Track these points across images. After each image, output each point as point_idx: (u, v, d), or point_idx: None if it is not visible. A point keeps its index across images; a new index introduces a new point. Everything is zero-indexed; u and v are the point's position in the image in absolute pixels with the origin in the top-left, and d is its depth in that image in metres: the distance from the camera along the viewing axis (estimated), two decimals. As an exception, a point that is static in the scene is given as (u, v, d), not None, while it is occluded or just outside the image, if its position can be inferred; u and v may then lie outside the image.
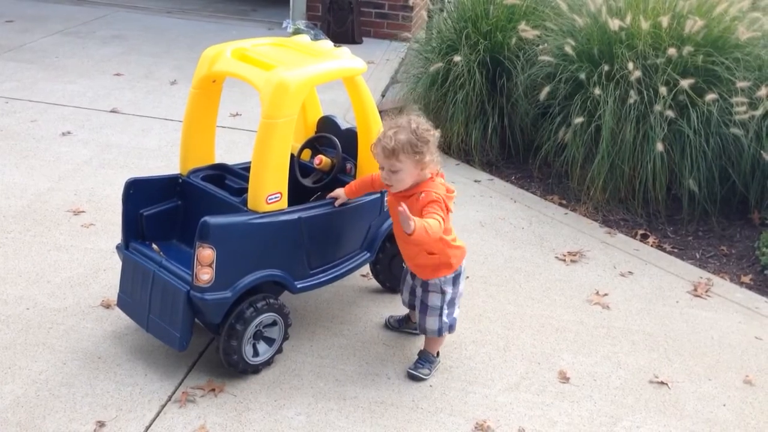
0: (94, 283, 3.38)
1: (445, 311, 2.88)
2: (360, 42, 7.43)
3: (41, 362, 2.88)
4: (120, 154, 4.68)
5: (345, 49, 3.05)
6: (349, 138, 3.20)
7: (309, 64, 2.84)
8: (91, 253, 3.60)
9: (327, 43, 3.09)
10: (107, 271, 3.45)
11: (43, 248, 3.62)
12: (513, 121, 4.88)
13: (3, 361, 2.87)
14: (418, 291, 2.90)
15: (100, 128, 5.05)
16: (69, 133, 4.94)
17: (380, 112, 3.95)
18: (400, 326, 3.19)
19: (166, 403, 2.72)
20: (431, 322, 2.88)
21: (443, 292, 2.85)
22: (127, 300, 2.94)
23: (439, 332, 2.90)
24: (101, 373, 2.85)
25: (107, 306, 3.20)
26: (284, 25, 7.44)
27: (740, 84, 3.98)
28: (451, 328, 2.92)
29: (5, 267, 3.45)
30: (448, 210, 2.76)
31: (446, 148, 5.00)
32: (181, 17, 7.99)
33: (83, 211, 3.96)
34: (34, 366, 2.85)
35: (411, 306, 3.05)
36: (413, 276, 2.93)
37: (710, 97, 3.98)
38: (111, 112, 5.33)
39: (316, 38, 7.14)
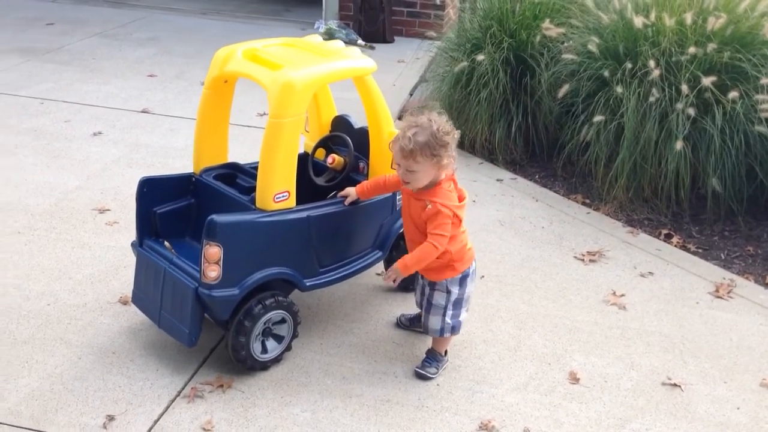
0: (114, 280, 3.46)
1: (450, 312, 2.87)
2: (391, 41, 7.45)
3: (57, 357, 2.96)
4: (148, 154, 4.77)
5: (355, 49, 3.07)
6: (362, 137, 3.22)
7: (316, 64, 2.87)
8: (113, 250, 3.69)
9: (338, 43, 3.11)
10: (127, 268, 3.52)
11: (67, 245, 3.72)
12: (537, 119, 4.85)
13: (21, 355, 2.95)
14: (426, 290, 2.90)
15: (130, 128, 5.16)
16: (100, 133, 5.05)
17: (406, 111, 3.97)
18: (411, 325, 3.20)
19: (175, 398, 2.78)
20: (434, 322, 2.88)
21: (449, 292, 2.85)
22: (140, 296, 3.01)
23: (441, 332, 2.89)
24: (114, 367, 2.91)
25: (125, 302, 3.27)
26: (316, 26, 7.49)
27: (765, 81, 3.89)
28: (454, 329, 2.91)
29: (30, 263, 3.55)
30: (459, 220, 2.76)
31: (470, 147, 5.00)
32: (216, 18, 8.10)
33: (108, 210, 4.06)
34: (51, 360, 2.94)
35: (421, 305, 3.01)
36: (422, 275, 2.93)
37: (733, 94, 3.90)
38: (142, 112, 5.44)
39: (347, 37, 7.22)
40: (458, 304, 2.88)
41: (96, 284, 3.42)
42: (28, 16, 7.75)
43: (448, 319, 2.88)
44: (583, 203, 4.46)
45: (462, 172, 4.77)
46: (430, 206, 2.70)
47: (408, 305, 3.30)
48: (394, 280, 2.79)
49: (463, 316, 2.93)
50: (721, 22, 3.98)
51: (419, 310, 3.16)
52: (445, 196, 2.73)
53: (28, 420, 2.63)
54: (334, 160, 3.19)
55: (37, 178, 4.39)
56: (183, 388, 2.83)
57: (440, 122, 2.69)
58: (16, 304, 3.25)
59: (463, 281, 2.86)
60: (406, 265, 2.75)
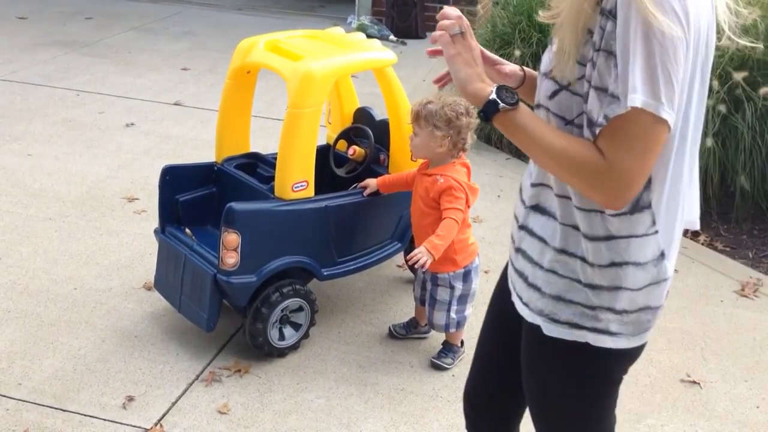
0: (139, 266, 3.53)
1: (454, 307, 2.85)
2: (423, 37, 7.46)
3: (82, 339, 3.03)
4: (177, 145, 4.86)
5: (375, 41, 3.09)
6: (384, 129, 3.24)
7: (336, 55, 2.90)
8: (140, 237, 3.76)
9: (359, 35, 3.14)
10: (153, 255, 3.55)
11: (95, 232, 3.80)
12: (565, 115, 4.81)
13: (47, 336, 3.03)
14: (428, 285, 2.89)
15: (161, 120, 5.25)
16: (132, 124, 5.15)
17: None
18: (408, 333, 3.12)
19: (193, 382, 2.83)
20: (438, 317, 2.87)
21: (452, 287, 2.83)
22: (162, 281, 3.07)
23: (446, 328, 2.89)
24: (136, 351, 2.98)
25: (149, 288, 3.34)
26: (348, 21, 7.54)
27: (795, 77, 3.83)
28: (459, 324, 2.90)
29: (59, 249, 3.64)
30: (468, 205, 2.76)
31: (498, 143, 4.99)
32: (251, 14, 8.20)
33: (137, 198, 4.14)
34: (75, 342, 3.01)
35: (422, 301, 2.99)
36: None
37: (764, 90, 3.84)
38: (174, 104, 5.53)
39: (379, 33, 7.24)
40: (463, 299, 2.87)
41: (122, 270, 3.50)
42: (67, 10, 7.92)
43: (453, 315, 2.86)
44: (610, 200, 4.42)
45: (488, 167, 4.77)
46: (441, 180, 2.72)
47: (427, 297, 3.31)
48: (423, 265, 2.62)
49: (469, 310, 2.92)
50: (753, 17, 3.91)
51: (410, 316, 3.15)
52: (457, 172, 2.75)
53: (51, 399, 2.71)
54: (355, 151, 3.22)
55: (69, 167, 4.49)
56: (201, 372, 2.88)
57: (459, 103, 2.71)
58: (44, 287, 3.34)
59: (467, 277, 2.84)
60: (435, 245, 2.62)
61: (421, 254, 2.61)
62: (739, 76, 3.88)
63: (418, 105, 2.74)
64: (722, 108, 3.93)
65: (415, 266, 2.65)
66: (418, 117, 2.73)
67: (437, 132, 2.69)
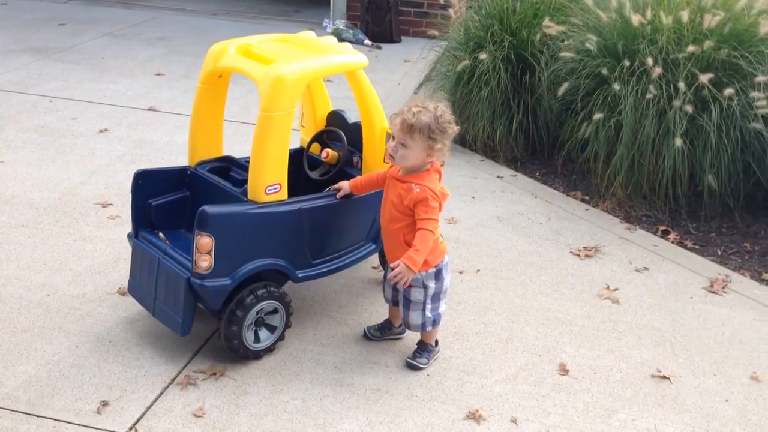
0: (113, 272, 3.52)
1: (429, 306, 2.88)
2: (398, 41, 7.50)
3: (55, 345, 3.02)
4: (152, 151, 4.85)
5: (347, 45, 3.11)
6: (357, 132, 3.27)
7: (308, 59, 2.92)
8: (113, 243, 3.75)
9: (331, 39, 3.16)
10: (127, 260, 3.54)
11: (69, 238, 3.79)
12: (538, 116, 4.88)
13: (20, 343, 3.02)
14: (400, 286, 2.89)
15: (135, 125, 5.24)
16: (106, 130, 5.13)
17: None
18: (383, 335, 3.14)
19: (168, 386, 2.83)
20: (414, 317, 2.90)
21: (425, 287, 2.85)
22: (136, 286, 3.07)
23: (423, 327, 2.91)
24: (110, 356, 2.97)
25: (123, 293, 3.33)
26: (324, 25, 7.56)
27: (759, 79, 3.90)
28: (434, 322, 2.93)
29: (32, 255, 3.62)
30: (440, 209, 2.79)
31: (472, 145, 5.03)
32: (226, 19, 8.19)
33: (111, 204, 4.13)
34: (49, 348, 3.00)
35: (394, 302, 3.01)
36: (393, 269, 2.93)
37: (728, 91, 3.92)
38: (148, 110, 5.52)
39: (354, 38, 7.28)
40: (437, 297, 2.89)
41: (95, 276, 3.49)
42: (40, 17, 7.86)
43: (428, 313, 2.89)
44: (582, 200, 4.48)
45: (462, 168, 4.81)
46: (417, 190, 2.72)
47: (401, 298, 3.34)
48: (405, 283, 2.70)
49: (443, 308, 2.95)
50: (717, 19, 4.00)
51: (385, 318, 3.17)
52: (431, 181, 2.77)
53: (25, 405, 2.70)
54: (329, 154, 3.24)
55: (42, 173, 4.47)
56: (177, 376, 2.88)
57: (445, 111, 2.73)
58: (17, 294, 3.33)
59: (438, 275, 2.87)
60: (414, 260, 2.67)
61: (402, 274, 2.66)
62: (704, 78, 3.95)
63: (412, 116, 2.68)
64: (689, 108, 3.99)
65: (397, 286, 2.68)
66: (411, 129, 2.67)
67: (436, 144, 2.70)
